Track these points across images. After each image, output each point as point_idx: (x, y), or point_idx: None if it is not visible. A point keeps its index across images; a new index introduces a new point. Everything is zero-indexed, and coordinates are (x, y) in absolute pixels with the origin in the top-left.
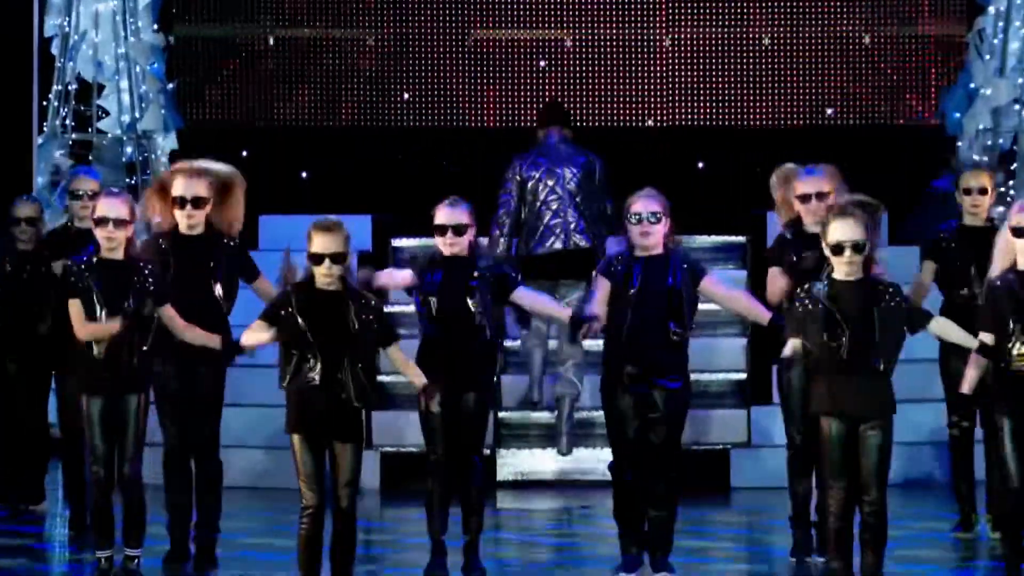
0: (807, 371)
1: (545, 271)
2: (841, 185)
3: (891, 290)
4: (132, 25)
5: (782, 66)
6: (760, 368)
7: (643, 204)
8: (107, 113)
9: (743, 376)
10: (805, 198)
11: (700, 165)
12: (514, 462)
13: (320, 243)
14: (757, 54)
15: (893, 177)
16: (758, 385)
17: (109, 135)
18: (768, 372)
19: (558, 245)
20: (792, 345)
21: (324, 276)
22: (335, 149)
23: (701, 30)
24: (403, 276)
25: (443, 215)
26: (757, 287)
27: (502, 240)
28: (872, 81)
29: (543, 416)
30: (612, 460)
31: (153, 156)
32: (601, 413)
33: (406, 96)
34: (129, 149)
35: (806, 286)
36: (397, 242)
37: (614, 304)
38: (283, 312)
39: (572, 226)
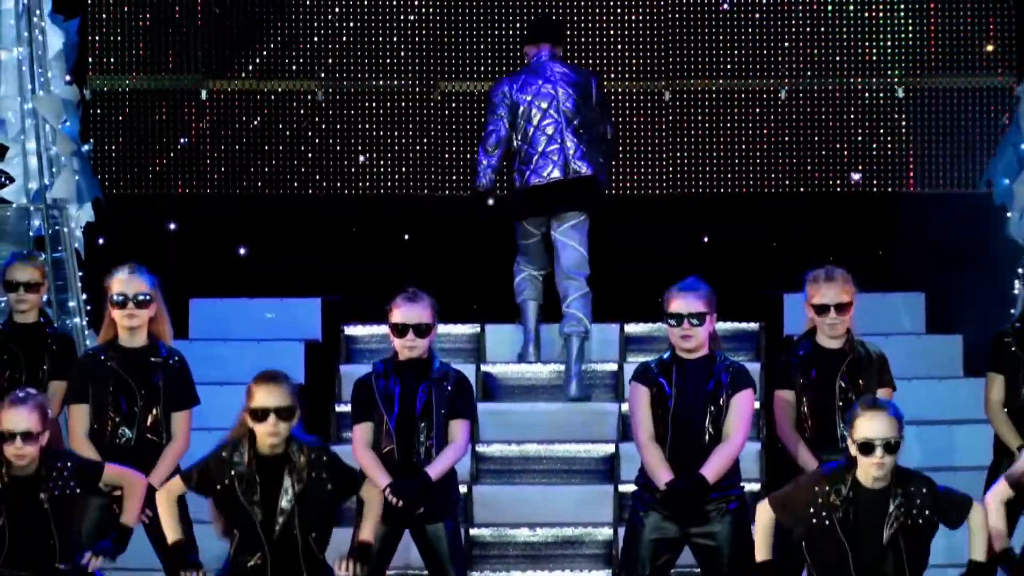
0: None
1: (543, 203)
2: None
3: (923, 490)
4: (40, 77)
5: (801, 123)
6: (777, 479)
7: (684, 303)
8: (11, 179)
9: (756, 487)
10: (822, 309)
11: (704, 239)
12: None
13: (267, 396)
14: (772, 109)
15: (930, 254)
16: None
17: (13, 205)
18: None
19: (557, 174)
20: None
21: (270, 436)
22: (278, 221)
23: (707, 81)
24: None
25: (402, 313)
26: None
27: (489, 171)
28: (906, 140)
29: (522, 534)
30: None
31: (65, 230)
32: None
33: (362, 159)
34: (37, 221)
35: (828, 488)
36: (350, 330)
37: (652, 414)
38: (218, 485)
39: (571, 152)
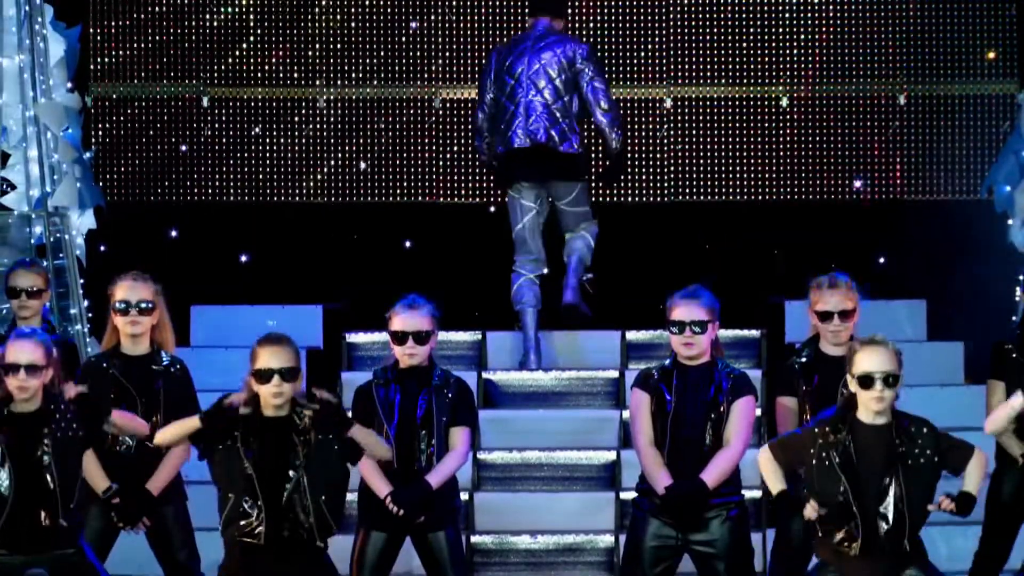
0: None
1: (530, 169)
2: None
3: (924, 430)
4: (42, 84)
5: (802, 130)
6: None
7: (686, 310)
8: (13, 187)
9: (757, 494)
10: (826, 316)
11: (707, 246)
12: None
13: (270, 358)
14: (774, 116)
15: (931, 261)
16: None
17: (15, 212)
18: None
19: (515, 142)
20: (813, 506)
21: (274, 396)
22: (279, 228)
23: (708, 88)
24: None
25: (402, 320)
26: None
27: (486, 147)
28: (908, 148)
29: (523, 541)
30: None
31: (67, 237)
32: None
33: (363, 166)
34: (39, 229)
35: (827, 429)
36: (352, 337)
37: (652, 421)
38: (220, 444)
39: (530, 120)
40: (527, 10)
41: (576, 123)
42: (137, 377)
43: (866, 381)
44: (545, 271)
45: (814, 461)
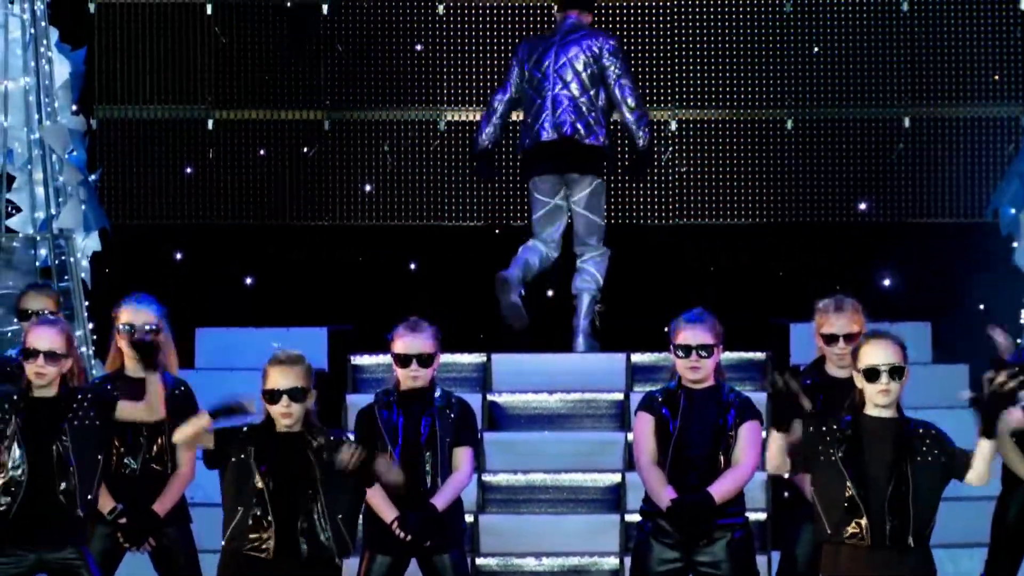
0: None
1: (550, 163)
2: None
3: (932, 434)
4: (47, 106)
5: (807, 152)
6: (783, 509)
7: (691, 334)
8: (18, 209)
9: (762, 516)
10: (831, 339)
11: (711, 268)
12: None
13: (280, 378)
14: (779, 139)
15: (936, 283)
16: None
17: (20, 234)
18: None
19: (543, 136)
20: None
21: (283, 416)
22: (284, 250)
23: (713, 111)
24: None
25: (404, 343)
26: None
27: (488, 129)
28: (912, 170)
29: (528, 563)
30: None
31: (72, 259)
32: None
33: (368, 188)
34: (43, 251)
35: (833, 426)
36: (357, 359)
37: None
38: (233, 456)
39: (557, 115)
40: (556, 5)
41: (603, 116)
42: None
43: (871, 374)
44: (557, 254)
45: (821, 458)
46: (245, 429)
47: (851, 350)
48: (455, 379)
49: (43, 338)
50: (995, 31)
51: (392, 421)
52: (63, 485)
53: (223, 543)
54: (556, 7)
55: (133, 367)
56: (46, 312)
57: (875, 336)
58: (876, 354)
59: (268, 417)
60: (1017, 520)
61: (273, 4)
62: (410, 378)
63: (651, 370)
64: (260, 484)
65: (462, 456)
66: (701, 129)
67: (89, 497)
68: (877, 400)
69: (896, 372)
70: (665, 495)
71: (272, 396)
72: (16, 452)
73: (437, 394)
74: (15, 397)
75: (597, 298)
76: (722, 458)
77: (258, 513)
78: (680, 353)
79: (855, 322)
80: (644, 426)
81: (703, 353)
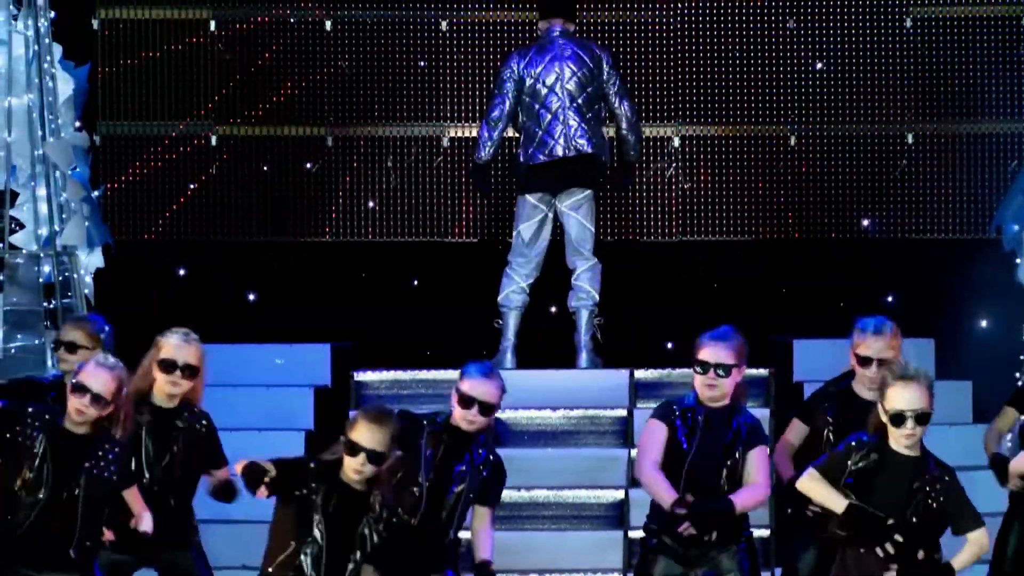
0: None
1: (545, 180)
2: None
3: (946, 478)
4: (51, 123)
5: (811, 168)
6: (787, 525)
7: (713, 352)
8: (21, 225)
9: (765, 533)
10: (865, 361)
11: (714, 285)
12: None
13: (366, 436)
14: (782, 155)
15: (940, 300)
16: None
17: (24, 251)
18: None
19: (559, 152)
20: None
21: (354, 472)
22: (288, 267)
23: (716, 127)
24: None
25: (473, 385)
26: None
27: (490, 144)
28: (916, 186)
29: None
30: None
31: (75, 276)
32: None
33: (371, 204)
34: (47, 267)
35: (859, 453)
36: (360, 375)
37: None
38: (297, 491)
39: (573, 130)
40: (539, 11)
41: (603, 128)
42: (159, 431)
43: (898, 419)
44: (537, 275)
45: (851, 480)
46: (314, 465)
47: (881, 379)
48: None
49: (97, 380)
50: (998, 48)
51: (429, 457)
52: (68, 527)
53: (267, 568)
54: (540, 16)
55: (161, 397)
56: (73, 343)
57: (905, 378)
58: (904, 399)
59: (340, 463)
60: (1017, 552)
61: (276, 20)
62: (466, 420)
63: (654, 386)
64: (317, 531)
65: (486, 518)
66: (704, 145)
67: (88, 544)
68: (901, 443)
69: (922, 418)
70: (668, 496)
71: (353, 449)
72: (44, 472)
73: (478, 448)
74: (47, 417)
75: (595, 311)
76: (725, 477)
77: (310, 558)
78: (699, 369)
79: (892, 347)
80: (657, 434)
81: (721, 372)
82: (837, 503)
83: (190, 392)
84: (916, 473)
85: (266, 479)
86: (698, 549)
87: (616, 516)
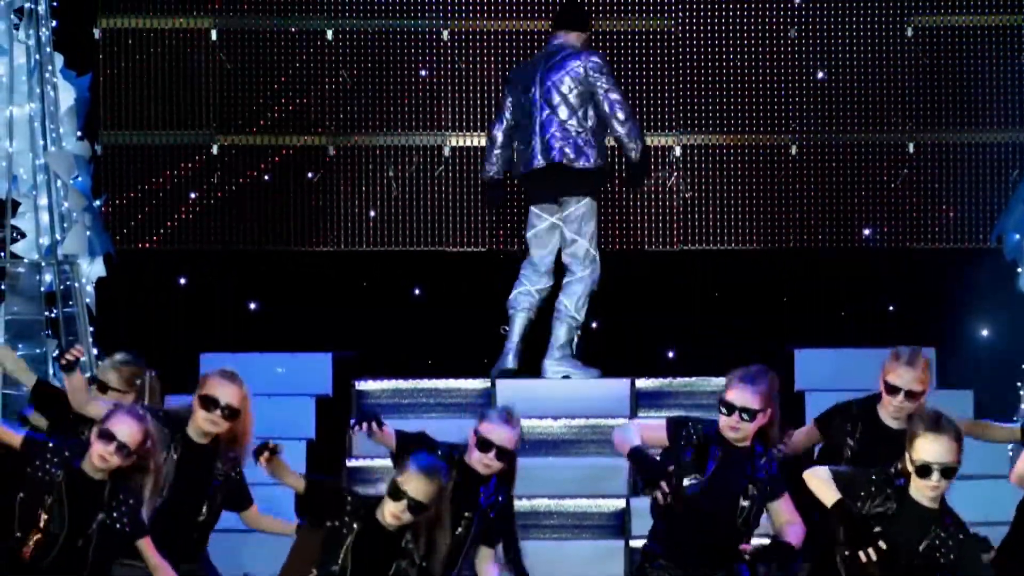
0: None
1: (532, 191)
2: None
3: (960, 536)
4: (53, 132)
5: (812, 178)
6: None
7: (739, 395)
8: (23, 235)
9: None
10: (894, 390)
11: (716, 294)
12: None
13: (413, 485)
14: (783, 164)
15: (943, 309)
16: None
17: (25, 260)
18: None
19: (535, 163)
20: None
21: (392, 517)
22: (289, 276)
23: (718, 136)
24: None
25: (492, 430)
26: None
27: (493, 160)
28: (917, 196)
29: None
30: None
31: (76, 285)
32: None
33: (372, 214)
34: (48, 277)
35: (883, 489)
36: (361, 384)
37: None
38: (330, 521)
39: (549, 140)
40: (552, 23)
41: (593, 136)
42: (191, 469)
43: (924, 471)
44: (549, 284)
45: (864, 510)
46: (352, 499)
47: (907, 418)
48: (459, 405)
49: (124, 429)
50: (999, 57)
51: None
52: (78, 565)
53: None
54: (552, 27)
55: (197, 433)
56: (109, 384)
57: (935, 430)
58: (931, 451)
59: (378, 501)
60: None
61: (278, 30)
62: (483, 464)
63: (655, 396)
64: (341, 564)
65: (487, 559)
66: (705, 154)
67: None
68: (925, 494)
69: (949, 472)
70: (630, 443)
71: (396, 494)
72: (63, 512)
73: (488, 492)
74: (66, 454)
75: (573, 326)
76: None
77: None
78: (724, 410)
79: (921, 381)
80: (657, 433)
81: (745, 416)
82: (830, 496)
83: (241, 436)
84: (932, 525)
85: (268, 453)
86: (700, 573)
87: (617, 525)
